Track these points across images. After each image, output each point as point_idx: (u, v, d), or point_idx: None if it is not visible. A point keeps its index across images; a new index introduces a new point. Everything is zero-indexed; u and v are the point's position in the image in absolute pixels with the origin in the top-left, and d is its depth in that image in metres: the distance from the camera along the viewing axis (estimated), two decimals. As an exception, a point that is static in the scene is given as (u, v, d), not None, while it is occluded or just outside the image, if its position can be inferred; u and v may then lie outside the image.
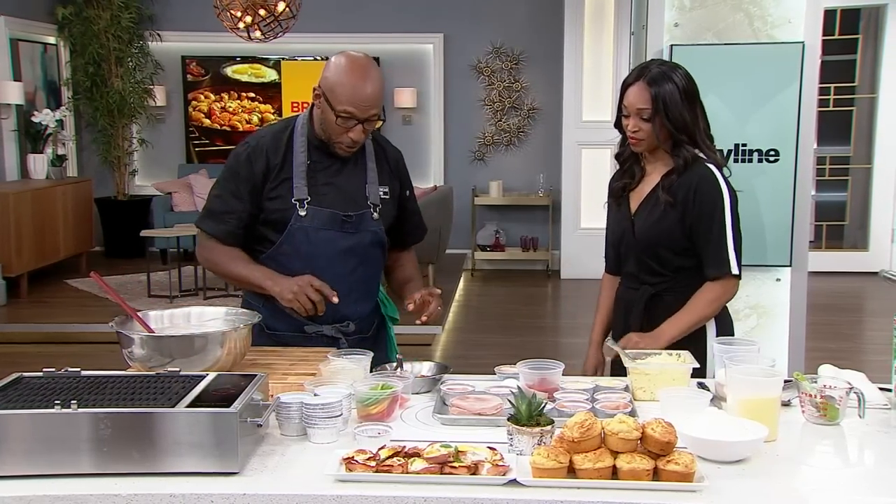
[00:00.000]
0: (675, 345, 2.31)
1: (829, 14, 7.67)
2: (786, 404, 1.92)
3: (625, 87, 2.41)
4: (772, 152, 3.43)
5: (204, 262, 2.45)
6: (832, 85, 8.00)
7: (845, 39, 8.06)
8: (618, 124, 2.48)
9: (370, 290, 2.45)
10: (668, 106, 2.34)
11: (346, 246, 2.33)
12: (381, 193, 2.39)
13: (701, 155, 2.41)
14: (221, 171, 2.38)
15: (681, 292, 2.42)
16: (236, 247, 2.35)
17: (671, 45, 3.77)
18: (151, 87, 8.75)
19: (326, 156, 2.33)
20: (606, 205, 2.60)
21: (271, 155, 2.30)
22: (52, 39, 8.59)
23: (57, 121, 7.96)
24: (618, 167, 2.58)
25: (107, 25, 8.35)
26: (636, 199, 2.49)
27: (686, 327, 2.37)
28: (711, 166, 2.40)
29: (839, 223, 8.40)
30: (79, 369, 1.82)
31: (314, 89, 2.26)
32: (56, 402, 1.58)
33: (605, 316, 2.64)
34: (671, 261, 2.43)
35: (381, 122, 2.28)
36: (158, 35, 8.72)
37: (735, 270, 2.37)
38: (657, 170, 2.45)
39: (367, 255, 2.38)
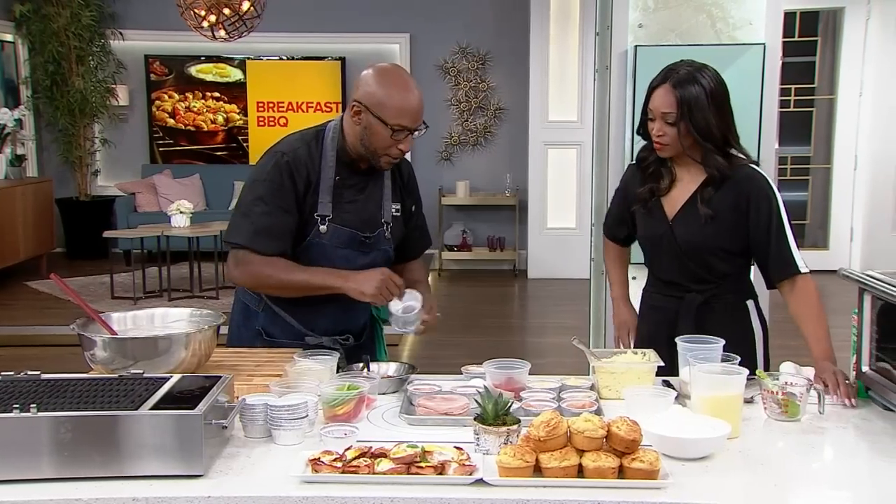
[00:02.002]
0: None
1: (789, 16, 7.78)
2: (748, 401, 1.95)
3: (651, 89, 2.32)
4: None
5: (248, 278, 2.25)
6: (793, 86, 8.12)
7: (805, 41, 8.18)
8: (641, 129, 2.39)
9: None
10: (692, 110, 2.24)
11: (361, 264, 2.29)
12: (394, 210, 2.38)
13: (738, 155, 2.33)
14: (257, 185, 2.24)
15: (727, 300, 2.38)
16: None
17: (636, 46, 3.80)
18: (114, 86, 8.63)
19: (353, 173, 2.29)
20: (633, 209, 2.46)
21: (310, 168, 2.24)
22: (9, 37, 8.43)
23: (15, 120, 7.82)
24: (630, 169, 2.52)
25: (66, 23, 8.21)
26: (671, 205, 2.38)
27: (827, 334, 2.23)
28: (753, 166, 2.34)
29: (800, 222, 8.53)
30: (39, 372, 1.79)
31: (353, 106, 2.20)
32: (15, 405, 1.55)
33: (622, 273, 2.66)
34: (717, 267, 2.35)
35: (425, 129, 2.24)
36: (120, 34, 8.60)
37: (804, 269, 2.28)
38: (690, 175, 2.36)
39: None
